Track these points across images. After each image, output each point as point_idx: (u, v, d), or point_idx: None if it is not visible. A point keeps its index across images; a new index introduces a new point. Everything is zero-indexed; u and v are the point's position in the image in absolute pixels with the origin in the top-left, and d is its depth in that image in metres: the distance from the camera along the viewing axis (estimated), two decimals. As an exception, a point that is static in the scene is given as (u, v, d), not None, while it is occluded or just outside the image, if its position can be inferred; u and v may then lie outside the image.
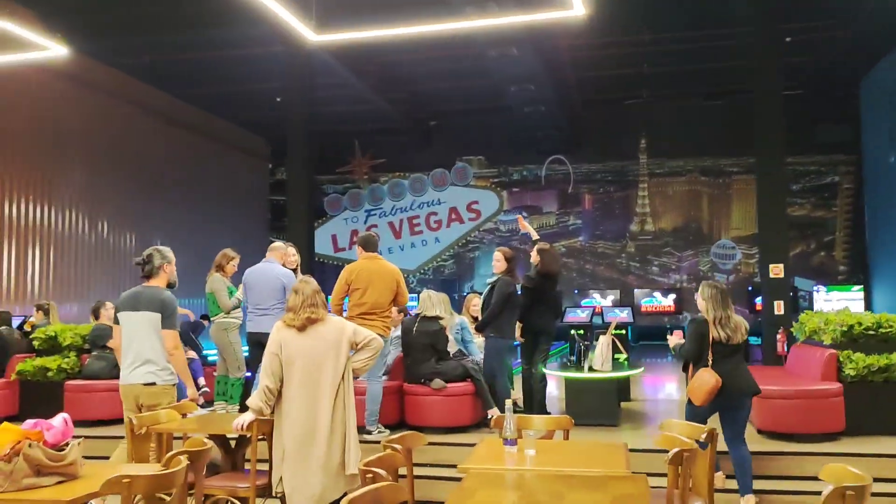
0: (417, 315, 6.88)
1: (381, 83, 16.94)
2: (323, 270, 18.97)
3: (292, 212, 13.61)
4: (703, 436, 3.82)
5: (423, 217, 21.14)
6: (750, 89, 17.88)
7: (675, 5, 13.76)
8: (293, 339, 4.09)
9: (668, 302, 19.87)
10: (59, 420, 3.17)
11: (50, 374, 7.79)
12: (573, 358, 7.55)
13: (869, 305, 18.10)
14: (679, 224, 20.27)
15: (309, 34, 8.35)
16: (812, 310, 12.90)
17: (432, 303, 6.88)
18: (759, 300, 19.04)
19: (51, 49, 8.54)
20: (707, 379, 5.04)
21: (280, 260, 7.19)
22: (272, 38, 13.60)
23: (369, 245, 6.84)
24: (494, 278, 7.17)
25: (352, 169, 21.54)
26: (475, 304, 7.84)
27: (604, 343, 6.61)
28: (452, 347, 7.11)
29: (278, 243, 7.45)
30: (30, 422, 3.09)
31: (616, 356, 7.19)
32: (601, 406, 6.58)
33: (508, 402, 3.62)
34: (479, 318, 7.17)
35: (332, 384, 4.03)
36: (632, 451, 3.84)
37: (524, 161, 20.70)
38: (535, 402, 7.39)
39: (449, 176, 21.04)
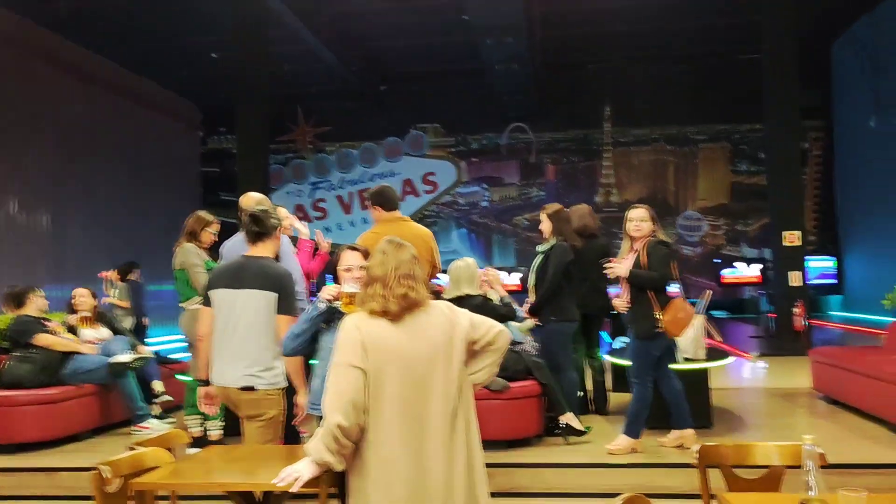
0: (452, 298, 5.34)
1: (331, 38, 15.14)
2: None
3: (244, 183, 11.67)
4: None
5: (374, 190, 19.43)
6: (718, 52, 17.19)
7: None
8: (384, 337, 2.43)
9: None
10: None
11: (-43, 383, 5.89)
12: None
13: (840, 278, 17.62)
14: (645, 195, 19.22)
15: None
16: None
17: (460, 277, 5.40)
18: (725, 273, 18.41)
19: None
20: (690, 310, 4.81)
21: None
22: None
23: (389, 202, 5.07)
24: (546, 245, 5.70)
25: (294, 137, 19.58)
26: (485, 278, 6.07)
27: (697, 325, 5.22)
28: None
29: (255, 195, 5.11)
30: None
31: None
32: (693, 405, 5.20)
33: (808, 439, 2.11)
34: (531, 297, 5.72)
35: (444, 412, 2.41)
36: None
37: (484, 129, 19.23)
38: (599, 399, 6.09)
39: (402, 145, 19.38)
